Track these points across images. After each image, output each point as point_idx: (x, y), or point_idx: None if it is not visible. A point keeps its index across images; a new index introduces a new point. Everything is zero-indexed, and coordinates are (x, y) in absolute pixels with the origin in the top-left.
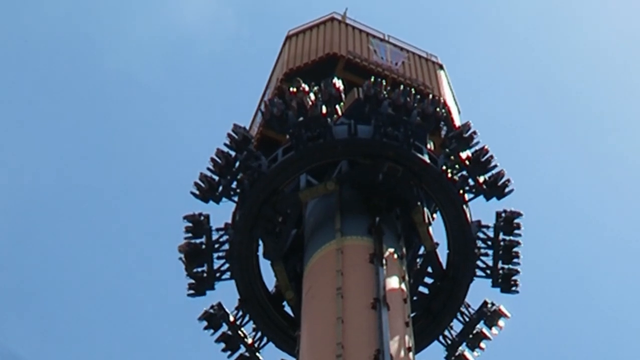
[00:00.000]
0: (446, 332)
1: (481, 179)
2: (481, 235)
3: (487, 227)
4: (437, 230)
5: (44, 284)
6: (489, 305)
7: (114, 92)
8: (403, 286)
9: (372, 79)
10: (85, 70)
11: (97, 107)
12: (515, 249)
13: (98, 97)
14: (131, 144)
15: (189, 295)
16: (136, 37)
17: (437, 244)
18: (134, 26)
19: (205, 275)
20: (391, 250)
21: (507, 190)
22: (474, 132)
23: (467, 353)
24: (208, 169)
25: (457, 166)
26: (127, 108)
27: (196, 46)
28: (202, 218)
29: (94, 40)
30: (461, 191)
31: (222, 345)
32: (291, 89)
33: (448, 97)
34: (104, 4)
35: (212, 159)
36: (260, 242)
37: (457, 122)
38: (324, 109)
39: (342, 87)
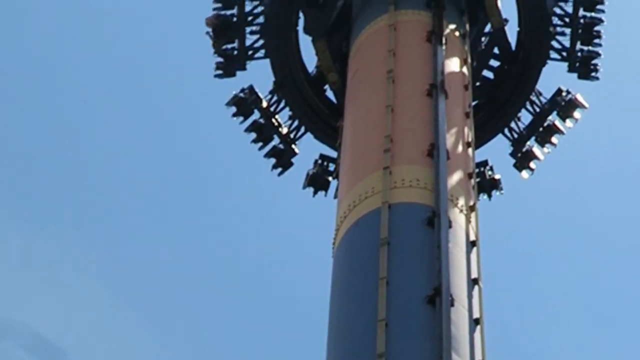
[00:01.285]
0: (513, 125)
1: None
2: (558, 10)
3: (566, 0)
4: (507, 4)
5: None
6: (564, 94)
7: None
8: (465, 70)
9: None
10: None
11: None
12: (597, 28)
13: None
14: None
15: (216, 76)
16: None
17: (507, 21)
18: None
19: (236, 52)
20: (452, 27)
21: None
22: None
23: (536, 149)
24: None
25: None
26: None
27: None
28: None
29: None
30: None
31: (253, 135)
32: None
33: None
34: None
35: None
36: (301, 15)
37: None
38: None
39: None
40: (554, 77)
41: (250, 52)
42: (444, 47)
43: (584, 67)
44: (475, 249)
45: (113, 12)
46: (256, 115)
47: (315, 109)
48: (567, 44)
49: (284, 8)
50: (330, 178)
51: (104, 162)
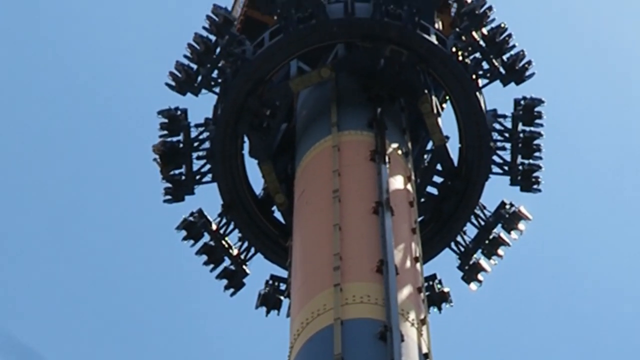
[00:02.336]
0: (459, 238)
1: (497, 61)
2: (497, 126)
3: (504, 116)
4: (447, 122)
5: None
6: (507, 207)
7: None
8: (409, 187)
9: None
10: None
11: None
12: (536, 142)
13: None
14: (93, 34)
15: (165, 201)
16: None
17: (448, 138)
18: None
19: (183, 178)
20: (395, 146)
21: (527, 74)
22: (489, 8)
23: (482, 261)
24: (185, 56)
25: (469, 47)
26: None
27: None
28: (179, 113)
29: None
30: (474, 76)
31: (204, 257)
32: None
33: None
34: None
35: (190, 45)
36: (246, 139)
37: None
38: None
39: None
40: (497, 190)
41: (197, 177)
42: (387, 166)
43: (526, 180)
44: None
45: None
46: (206, 238)
47: (264, 229)
48: (508, 158)
49: (229, 133)
50: (282, 297)
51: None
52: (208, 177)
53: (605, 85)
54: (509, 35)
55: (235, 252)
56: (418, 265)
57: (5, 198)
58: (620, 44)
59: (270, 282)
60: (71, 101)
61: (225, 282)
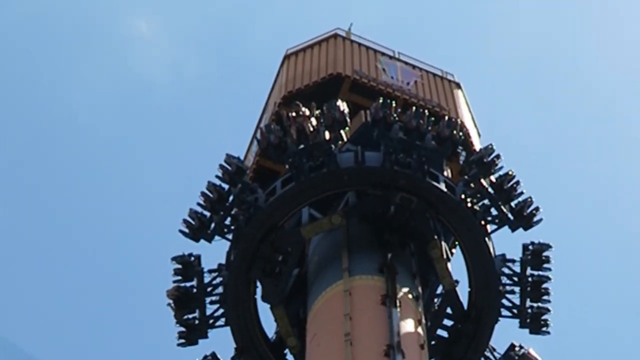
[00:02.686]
0: None
1: (505, 207)
2: (506, 270)
3: (513, 261)
4: (457, 266)
5: None
6: (517, 349)
7: (80, 144)
8: (420, 330)
9: (381, 100)
10: (52, 126)
11: (67, 162)
12: (544, 285)
13: (66, 151)
14: (110, 194)
15: (179, 344)
16: (91, 83)
17: (457, 282)
18: (93, 72)
19: (197, 322)
20: (405, 290)
21: (535, 220)
22: (497, 156)
23: None
24: (198, 204)
25: (478, 194)
26: (96, 158)
27: (157, 93)
28: (192, 259)
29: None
30: (483, 222)
31: None
32: (290, 114)
33: (466, 118)
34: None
35: (203, 194)
36: (258, 284)
37: (477, 146)
38: (327, 135)
39: (347, 110)
40: (506, 332)
41: (211, 321)
42: (398, 310)
43: (535, 323)
44: None
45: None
46: None
47: None
48: (517, 301)
49: (241, 278)
50: None
51: None
52: (221, 321)
53: (609, 227)
54: (517, 182)
55: None
56: None
57: None
58: (622, 191)
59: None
60: (86, 252)
61: None
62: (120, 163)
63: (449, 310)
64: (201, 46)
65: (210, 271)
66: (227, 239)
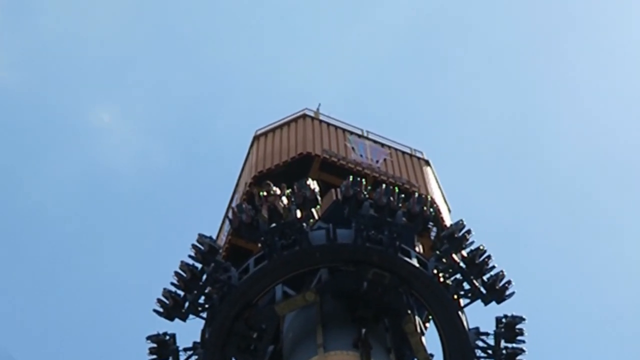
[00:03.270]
0: None
1: (478, 282)
2: (480, 343)
3: (487, 334)
4: (431, 340)
5: None
6: None
7: (51, 237)
8: None
9: (351, 178)
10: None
11: (38, 255)
12: (519, 358)
13: (37, 244)
14: (83, 282)
15: None
16: (59, 176)
17: (432, 356)
18: (59, 165)
19: None
20: None
21: (507, 293)
22: (468, 231)
23: None
24: (172, 283)
25: (450, 269)
26: (66, 249)
27: (124, 182)
28: (167, 338)
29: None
30: (455, 296)
31: None
32: (262, 193)
33: (436, 194)
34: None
35: (176, 273)
36: None
37: (448, 222)
38: (299, 213)
39: (317, 189)
40: None
41: None
42: None
43: None
44: None
45: None
46: None
47: None
48: None
49: (217, 356)
50: None
51: None
52: None
53: (580, 299)
54: (488, 257)
55: None
56: None
57: None
58: (588, 264)
59: None
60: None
61: None
62: (91, 252)
63: None
64: (166, 133)
65: (185, 349)
66: (202, 317)
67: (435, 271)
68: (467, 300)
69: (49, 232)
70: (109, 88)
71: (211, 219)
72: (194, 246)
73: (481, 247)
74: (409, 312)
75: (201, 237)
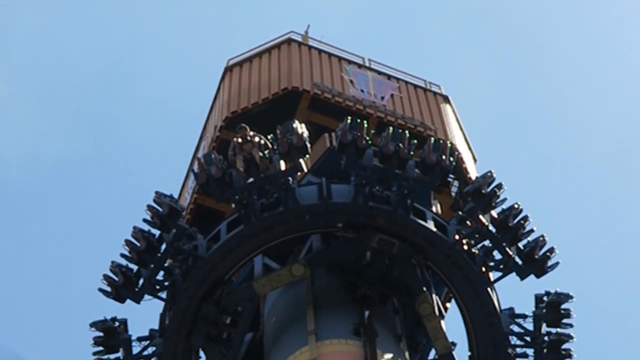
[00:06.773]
0: None
1: (512, 250)
2: (516, 328)
3: (524, 316)
4: (453, 324)
5: None
6: None
7: None
8: None
9: (349, 120)
10: None
11: None
12: (565, 346)
13: None
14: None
15: None
16: None
17: (454, 345)
18: None
19: None
20: (389, 356)
21: (549, 264)
22: (499, 186)
23: None
24: (122, 255)
25: (476, 234)
26: None
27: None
28: (117, 324)
29: None
30: (484, 268)
31: None
32: (235, 140)
33: (458, 139)
34: None
35: (127, 242)
36: (202, 354)
37: (473, 174)
38: (283, 165)
39: (306, 134)
40: None
41: None
42: None
43: None
44: None
45: None
46: None
47: None
48: None
49: (180, 347)
50: None
51: None
52: None
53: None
54: (525, 218)
55: None
56: None
57: None
58: None
59: None
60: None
61: None
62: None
63: None
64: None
65: (140, 339)
66: (161, 298)
67: (457, 237)
68: (499, 274)
69: None
70: None
71: (172, 175)
72: (149, 207)
73: (516, 206)
74: (425, 289)
75: (159, 197)
